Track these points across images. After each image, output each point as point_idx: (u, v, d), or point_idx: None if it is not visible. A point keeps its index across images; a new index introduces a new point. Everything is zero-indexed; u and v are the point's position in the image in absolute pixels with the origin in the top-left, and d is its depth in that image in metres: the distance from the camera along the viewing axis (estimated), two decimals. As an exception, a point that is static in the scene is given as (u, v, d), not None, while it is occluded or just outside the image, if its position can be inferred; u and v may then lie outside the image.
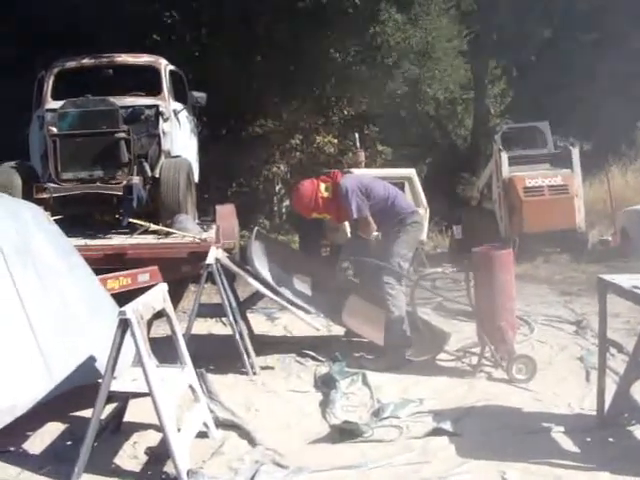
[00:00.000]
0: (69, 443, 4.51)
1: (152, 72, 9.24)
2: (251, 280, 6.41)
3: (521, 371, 5.55)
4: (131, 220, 7.84)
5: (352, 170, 11.50)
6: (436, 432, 4.54)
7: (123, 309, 3.84)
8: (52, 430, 4.72)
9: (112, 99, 8.37)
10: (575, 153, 12.36)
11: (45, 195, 7.71)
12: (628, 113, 19.40)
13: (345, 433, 4.53)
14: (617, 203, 13.44)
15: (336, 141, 18.81)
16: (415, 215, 6.60)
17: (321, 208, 6.63)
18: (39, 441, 4.56)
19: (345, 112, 19.07)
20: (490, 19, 22.98)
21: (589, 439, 4.37)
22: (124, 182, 7.93)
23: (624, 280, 4.37)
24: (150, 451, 4.34)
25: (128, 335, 3.89)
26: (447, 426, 4.59)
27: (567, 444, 4.33)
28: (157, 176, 8.44)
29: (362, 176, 7.25)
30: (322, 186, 6.55)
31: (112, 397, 4.28)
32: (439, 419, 4.72)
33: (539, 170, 12.37)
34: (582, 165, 12.50)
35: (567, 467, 3.99)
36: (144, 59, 9.54)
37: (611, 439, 4.36)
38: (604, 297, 4.56)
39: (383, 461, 4.15)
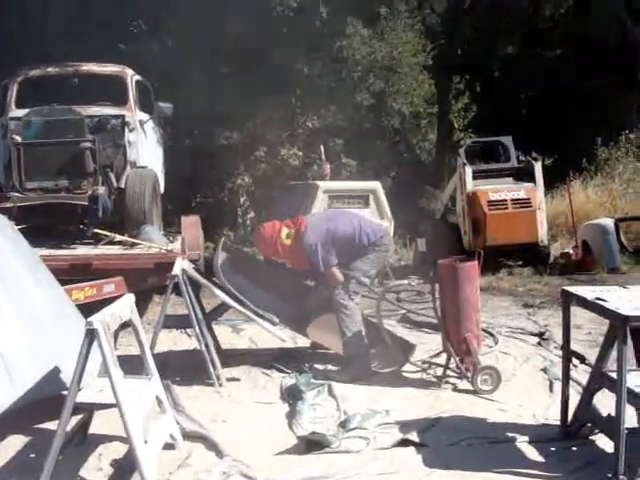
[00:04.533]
0: (33, 455, 4.46)
1: (118, 82, 9.19)
2: (217, 291, 6.39)
3: (486, 382, 5.60)
4: (96, 230, 7.79)
5: (318, 183, 11.56)
6: (403, 443, 4.57)
7: (90, 319, 3.80)
8: (15, 442, 4.67)
9: (78, 108, 8.31)
10: (538, 167, 12.49)
11: (9, 205, 7.62)
12: (589, 129, 19.73)
13: (312, 444, 4.53)
14: (578, 217, 13.65)
15: (301, 154, 18.81)
16: (383, 239, 6.51)
17: (280, 254, 6.57)
18: (2, 454, 4.51)
19: (310, 125, 19.10)
20: (454, 35, 23.26)
21: (553, 449, 4.44)
22: (89, 192, 7.88)
23: (587, 292, 4.45)
24: (116, 463, 4.31)
25: (94, 346, 3.86)
26: (414, 437, 4.63)
27: (532, 454, 4.39)
28: (122, 186, 8.40)
29: (325, 216, 7.02)
30: (284, 232, 6.44)
31: (77, 408, 4.23)
32: (406, 430, 4.76)
33: (502, 184, 12.49)
34: (544, 179, 12.65)
35: (532, 476, 4.06)
36: (110, 69, 9.49)
37: (574, 448, 4.43)
38: (568, 309, 4.63)
39: (351, 472, 4.17)
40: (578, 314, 5.47)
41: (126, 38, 14.29)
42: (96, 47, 12.35)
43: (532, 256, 12.24)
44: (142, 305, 7.81)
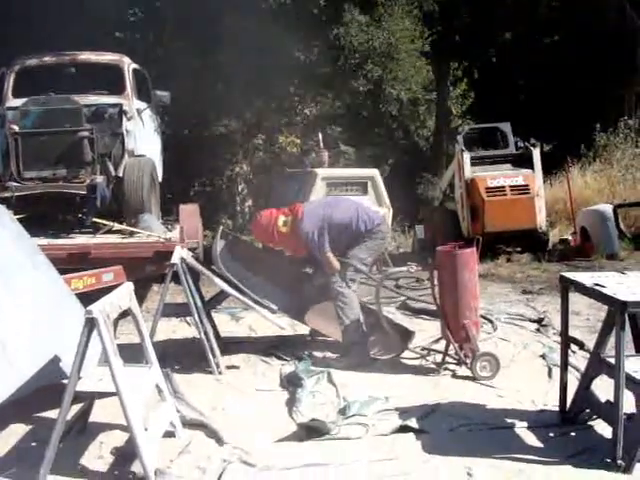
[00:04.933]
0: (34, 444, 4.47)
1: (115, 70, 9.17)
2: (216, 279, 6.39)
3: (485, 368, 5.62)
4: (94, 219, 7.78)
5: (316, 170, 11.55)
6: (402, 429, 4.58)
7: (90, 308, 3.81)
8: (16, 431, 4.68)
9: (75, 97, 8.29)
10: (536, 154, 12.48)
11: (7, 194, 7.60)
12: (588, 115, 19.69)
13: (312, 431, 4.54)
14: (577, 203, 13.67)
15: (299, 141, 18.80)
16: (380, 226, 6.50)
17: (277, 241, 6.62)
18: (3, 443, 4.52)
19: (308, 112, 19.08)
20: (452, 21, 23.19)
21: (552, 434, 4.46)
22: (87, 181, 7.85)
23: (586, 278, 4.46)
24: (117, 451, 4.33)
25: (94, 335, 3.86)
26: (413, 423, 4.64)
27: (530, 439, 4.41)
28: (121, 175, 8.38)
29: (323, 203, 7.01)
30: (280, 219, 6.46)
31: (77, 397, 4.25)
32: (405, 416, 4.77)
33: (501, 170, 12.48)
34: (543, 166, 12.65)
35: (530, 461, 4.07)
36: (107, 57, 9.47)
37: (573, 434, 4.45)
38: (566, 295, 4.64)
39: (350, 458, 4.18)
40: (577, 300, 5.48)
41: (124, 26, 14.25)
42: (93, 36, 12.30)
43: (531, 242, 12.25)
44: (141, 294, 7.83)
